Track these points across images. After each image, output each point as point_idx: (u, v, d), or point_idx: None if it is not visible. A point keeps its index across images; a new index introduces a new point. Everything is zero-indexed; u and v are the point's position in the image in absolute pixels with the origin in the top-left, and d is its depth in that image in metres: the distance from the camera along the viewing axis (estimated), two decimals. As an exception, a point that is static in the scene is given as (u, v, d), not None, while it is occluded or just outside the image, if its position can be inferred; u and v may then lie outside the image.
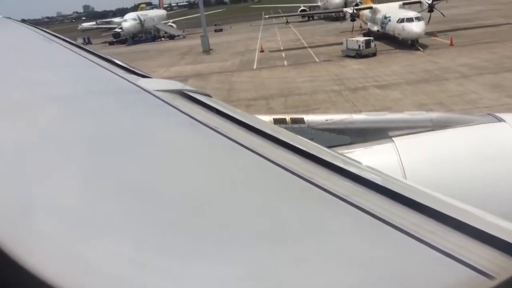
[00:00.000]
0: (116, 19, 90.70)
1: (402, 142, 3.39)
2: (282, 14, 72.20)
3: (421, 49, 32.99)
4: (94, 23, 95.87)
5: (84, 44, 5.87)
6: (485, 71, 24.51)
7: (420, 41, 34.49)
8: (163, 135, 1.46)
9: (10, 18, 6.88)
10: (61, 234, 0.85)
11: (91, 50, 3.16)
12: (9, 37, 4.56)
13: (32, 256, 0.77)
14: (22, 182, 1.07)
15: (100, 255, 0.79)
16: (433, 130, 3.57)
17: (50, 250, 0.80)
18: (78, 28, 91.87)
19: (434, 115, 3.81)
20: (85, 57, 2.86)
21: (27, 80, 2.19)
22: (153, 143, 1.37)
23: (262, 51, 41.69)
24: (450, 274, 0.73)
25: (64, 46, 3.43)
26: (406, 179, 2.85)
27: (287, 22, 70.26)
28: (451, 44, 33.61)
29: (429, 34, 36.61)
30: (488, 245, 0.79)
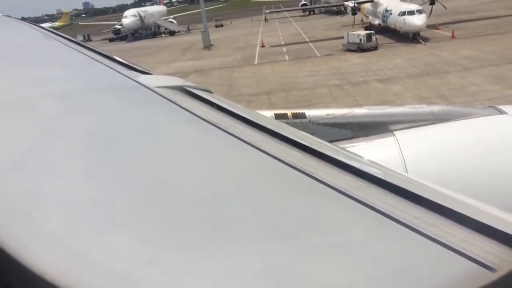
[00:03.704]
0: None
1: (404, 136, 3.38)
2: (283, 9, 71.78)
3: (423, 42, 32.78)
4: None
5: (84, 41, 5.85)
6: (487, 63, 24.35)
7: (422, 34, 34.24)
8: (164, 131, 1.46)
9: (10, 16, 6.87)
10: (65, 233, 0.85)
11: (91, 47, 3.16)
12: (9, 35, 4.56)
13: (37, 257, 0.76)
14: (25, 180, 1.07)
15: (106, 253, 0.78)
16: (434, 123, 3.56)
17: (54, 249, 0.80)
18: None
19: (436, 108, 3.80)
20: (85, 54, 2.86)
21: (28, 78, 2.19)
22: (154, 140, 1.37)
23: (263, 46, 41.54)
24: (451, 267, 0.73)
25: (64, 44, 3.43)
26: (407, 172, 2.85)
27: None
28: (453, 37, 33.42)
29: (430, 27, 36.38)
30: (490, 238, 0.79)
